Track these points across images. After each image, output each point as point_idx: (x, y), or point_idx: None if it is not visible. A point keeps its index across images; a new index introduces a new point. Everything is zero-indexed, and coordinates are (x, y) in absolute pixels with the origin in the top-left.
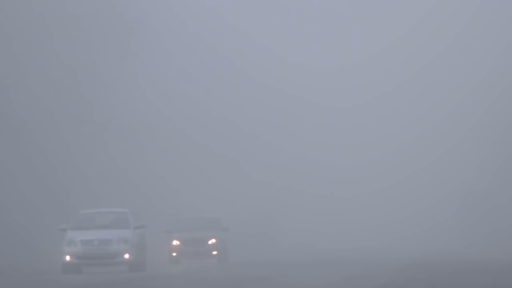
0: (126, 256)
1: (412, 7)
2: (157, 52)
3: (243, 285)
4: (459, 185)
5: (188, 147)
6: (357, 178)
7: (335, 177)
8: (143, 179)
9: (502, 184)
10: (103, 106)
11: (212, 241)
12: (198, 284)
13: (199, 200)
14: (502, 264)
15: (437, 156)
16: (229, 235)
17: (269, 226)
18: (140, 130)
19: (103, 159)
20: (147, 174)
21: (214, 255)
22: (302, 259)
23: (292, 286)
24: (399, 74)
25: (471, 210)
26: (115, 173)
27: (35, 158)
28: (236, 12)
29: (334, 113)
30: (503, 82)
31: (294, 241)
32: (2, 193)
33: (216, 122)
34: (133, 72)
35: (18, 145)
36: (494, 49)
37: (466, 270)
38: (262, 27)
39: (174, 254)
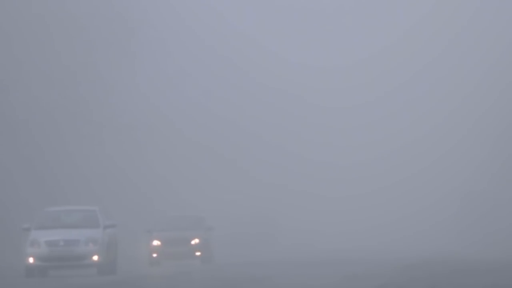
0: (95, 257)
1: (412, 7)
2: (157, 52)
3: (243, 285)
4: (459, 185)
5: (188, 147)
6: (357, 178)
7: (335, 177)
8: (142, 179)
9: (502, 184)
10: (102, 105)
11: (195, 241)
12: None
13: (198, 200)
14: (502, 264)
15: (437, 156)
16: (213, 234)
17: (269, 225)
18: (139, 130)
19: (102, 158)
20: (146, 174)
21: (197, 256)
22: (301, 259)
23: (292, 286)
24: (399, 75)
25: (471, 210)
26: (115, 173)
27: (34, 158)
28: (237, 12)
29: (334, 113)
30: (503, 82)
31: (294, 241)
32: (1, 193)
33: (216, 122)
34: (133, 72)
35: (17, 145)
36: (494, 49)
37: (466, 270)
38: (262, 27)
39: (155, 255)
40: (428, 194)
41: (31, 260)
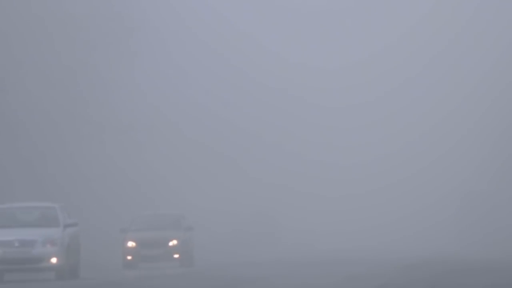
0: (53, 260)
1: (412, 7)
2: (157, 52)
3: (243, 285)
4: (459, 185)
5: (188, 147)
6: (357, 178)
7: (335, 177)
8: (143, 178)
9: (502, 184)
10: (102, 106)
11: (173, 242)
12: None
13: (199, 200)
14: (502, 264)
15: (437, 156)
16: (194, 235)
17: (269, 225)
18: (139, 130)
19: (102, 158)
20: (146, 174)
21: (176, 258)
22: (302, 259)
23: (292, 286)
24: (398, 75)
25: (471, 210)
26: (115, 173)
27: (34, 158)
28: (236, 12)
29: (334, 113)
30: (503, 82)
31: (294, 240)
32: (1, 193)
33: (216, 122)
34: (133, 72)
35: (16, 145)
36: (494, 49)
37: (466, 270)
38: (262, 27)
39: (129, 257)
40: (428, 194)
41: None
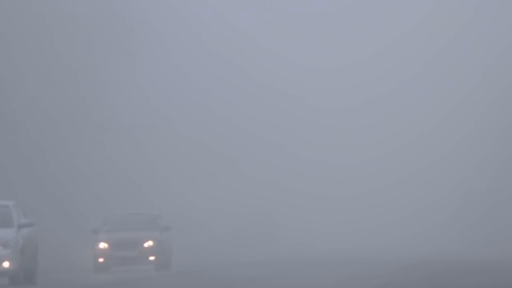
0: (6, 264)
1: (412, 7)
2: (157, 52)
3: (243, 285)
4: (459, 185)
5: (188, 147)
6: (357, 177)
7: (335, 176)
8: (143, 178)
9: (502, 184)
10: (102, 106)
11: (148, 243)
12: None
13: (199, 199)
14: (502, 264)
15: (437, 156)
16: (171, 235)
17: (269, 225)
18: (139, 130)
19: (102, 158)
20: (147, 174)
21: (151, 261)
22: (302, 259)
23: (292, 286)
24: (398, 74)
25: (471, 210)
26: (115, 173)
27: (34, 158)
28: (236, 12)
29: (334, 113)
30: (503, 82)
31: (294, 240)
32: (1, 193)
33: (216, 122)
34: (133, 72)
35: (17, 145)
36: (494, 49)
37: (466, 270)
38: (262, 27)
39: (101, 259)
40: (428, 194)
41: None
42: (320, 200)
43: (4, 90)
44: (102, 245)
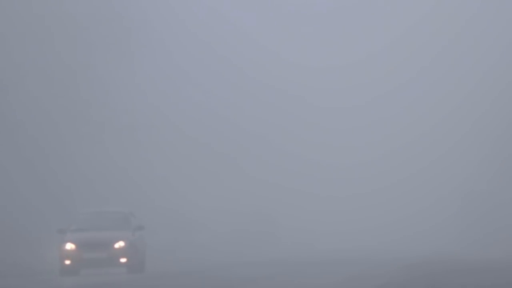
0: None
1: (412, 7)
2: (157, 52)
3: (243, 285)
4: (459, 185)
5: (188, 147)
6: (357, 178)
7: (335, 177)
8: (143, 178)
9: (502, 184)
10: (102, 106)
11: (119, 244)
12: None
13: (199, 199)
14: (502, 263)
15: (436, 156)
16: (145, 235)
17: (269, 224)
18: (139, 130)
19: (102, 158)
20: (147, 174)
21: (123, 263)
22: (302, 259)
23: (292, 286)
24: (398, 74)
25: (471, 210)
26: (115, 173)
27: (34, 158)
28: (236, 12)
29: (334, 113)
30: (502, 82)
31: (294, 240)
32: (1, 193)
33: (216, 122)
34: (132, 71)
35: (17, 145)
36: (494, 49)
37: (466, 269)
38: (262, 27)
39: (67, 262)
40: (428, 194)
41: None
42: (320, 200)
43: (4, 90)
44: (69, 246)
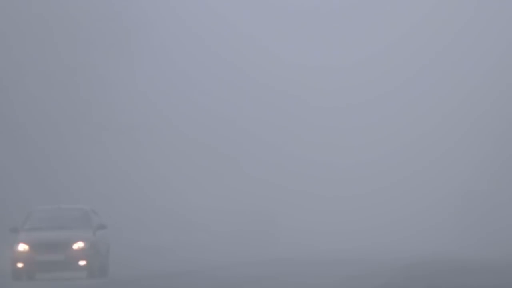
0: None
1: (412, 7)
2: (157, 52)
3: (243, 285)
4: (459, 185)
5: (188, 147)
6: (357, 178)
7: (335, 177)
8: (143, 178)
9: (502, 184)
10: (102, 106)
11: (78, 245)
12: None
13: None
14: (502, 263)
15: (436, 156)
16: (108, 235)
17: (269, 224)
18: (139, 130)
19: (102, 158)
20: (147, 174)
21: (82, 266)
22: (301, 259)
23: (292, 285)
24: (399, 74)
25: (471, 210)
26: (115, 173)
27: (34, 158)
28: (236, 12)
29: (334, 113)
30: (503, 82)
31: (294, 240)
32: (1, 193)
33: (216, 122)
34: (132, 72)
35: (17, 145)
36: (494, 49)
37: (466, 270)
38: (262, 27)
39: (20, 265)
40: (428, 194)
41: None
42: (320, 200)
43: (5, 90)
44: (22, 247)
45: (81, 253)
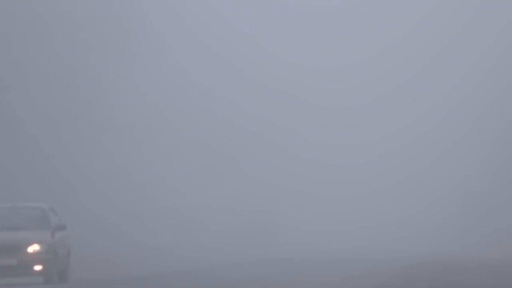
0: None
1: (412, 7)
2: (157, 52)
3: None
4: (459, 185)
5: (188, 147)
6: (357, 178)
7: (335, 177)
8: (143, 178)
9: (502, 184)
10: (102, 106)
11: (33, 248)
12: None
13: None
14: (502, 263)
15: (437, 156)
16: (69, 236)
17: (269, 224)
18: (139, 130)
19: (102, 158)
20: (147, 174)
21: (38, 271)
22: (301, 259)
23: (292, 285)
24: (399, 75)
25: (471, 210)
26: (115, 173)
27: (34, 158)
28: (236, 12)
29: (334, 113)
30: (503, 82)
31: (294, 240)
32: (1, 194)
33: (216, 122)
34: (133, 71)
35: (17, 145)
36: (494, 49)
37: (466, 269)
38: (262, 27)
39: None
40: (428, 194)
41: None
42: (320, 200)
43: (5, 90)
44: None
45: (36, 257)
